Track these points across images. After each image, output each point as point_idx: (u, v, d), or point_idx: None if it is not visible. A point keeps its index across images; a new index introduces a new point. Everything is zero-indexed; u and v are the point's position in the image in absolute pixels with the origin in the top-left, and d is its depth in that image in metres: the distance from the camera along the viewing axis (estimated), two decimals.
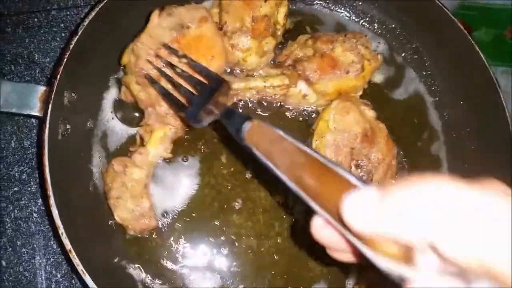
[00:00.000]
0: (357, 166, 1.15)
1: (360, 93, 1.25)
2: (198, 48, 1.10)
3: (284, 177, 0.57)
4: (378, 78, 1.33)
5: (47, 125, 0.99)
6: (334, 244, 0.52)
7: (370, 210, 0.42)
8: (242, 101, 1.25)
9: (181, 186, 1.18)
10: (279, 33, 1.27)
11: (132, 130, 1.20)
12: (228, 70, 1.25)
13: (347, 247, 0.52)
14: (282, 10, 1.23)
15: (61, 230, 0.94)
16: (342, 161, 1.14)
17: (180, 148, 1.19)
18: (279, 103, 1.26)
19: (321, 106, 1.24)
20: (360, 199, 0.44)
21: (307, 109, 1.26)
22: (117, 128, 1.21)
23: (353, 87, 1.20)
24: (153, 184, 1.16)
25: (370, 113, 1.20)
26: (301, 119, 1.27)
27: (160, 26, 1.09)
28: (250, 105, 1.25)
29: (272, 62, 1.27)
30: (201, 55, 1.10)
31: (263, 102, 1.25)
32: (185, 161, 1.19)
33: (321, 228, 0.52)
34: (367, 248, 0.44)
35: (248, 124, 0.69)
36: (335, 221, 0.48)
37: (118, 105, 1.22)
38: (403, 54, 1.37)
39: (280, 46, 1.29)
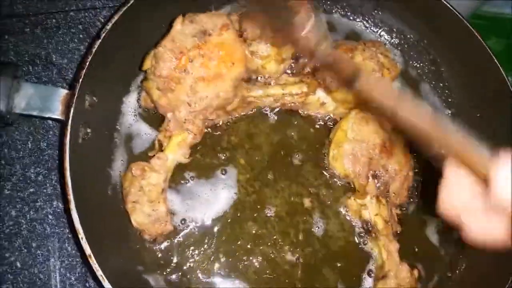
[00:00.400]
0: (374, 176, 1.15)
1: None
2: (219, 55, 1.10)
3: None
4: (395, 86, 1.33)
5: (69, 129, 0.99)
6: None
7: None
8: (261, 108, 1.25)
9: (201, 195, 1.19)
10: None
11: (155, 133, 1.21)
12: (247, 77, 1.25)
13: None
14: None
15: (81, 234, 0.94)
16: (359, 171, 1.14)
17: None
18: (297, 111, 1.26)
19: (340, 115, 1.24)
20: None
21: (324, 117, 1.26)
22: (141, 132, 1.21)
23: None
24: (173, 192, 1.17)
25: (389, 124, 1.20)
26: (317, 126, 1.26)
27: (182, 32, 1.09)
28: (268, 112, 1.25)
29: (290, 70, 1.27)
30: (222, 62, 1.11)
31: (281, 109, 1.26)
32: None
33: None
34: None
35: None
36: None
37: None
38: (420, 65, 1.37)
39: (297, 53, 1.29)
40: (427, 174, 1.27)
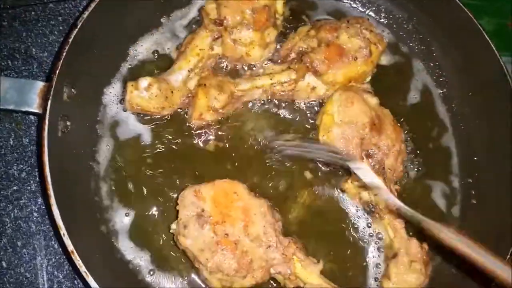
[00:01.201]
0: (368, 156, 1.12)
1: (369, 78, 1.22)
2: None
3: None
4: (386, 60, 1.31)
5: (46, 122, 0.96)
6: None
7: None
8: (251, 102, 1.22)
9: None
10: (279, 22, 1.24)
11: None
12: (232, 67, 1.23)
13: None
14: None
15: (63, 230, 0.91)
16: (353, 152, 1.11)
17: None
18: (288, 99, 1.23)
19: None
20: None
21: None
22: (126, 121, 1.18)
23: (362, 73, 1.17)
24: None
25: (374, 100, 1.17)
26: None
27: None
28: (258, 104, 1.22)
29: (276, 58, 1.24)
30: None
31: (272, 100, 1.22)
32: None
33: None
34: None
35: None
36: None
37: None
38: (410, 44, 1.34)
39: (281, 36, 1.26)
40: (420, 140, 1.26)
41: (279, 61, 1.23)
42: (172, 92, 1.15)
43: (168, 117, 1.19)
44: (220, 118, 1.19)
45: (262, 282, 1.02)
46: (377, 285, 1.11)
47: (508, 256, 1.03)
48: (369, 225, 1.16)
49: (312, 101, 1.23)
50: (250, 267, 0.98)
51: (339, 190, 1.18)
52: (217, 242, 0.98)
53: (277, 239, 1.01)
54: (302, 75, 1.17)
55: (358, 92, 1.15)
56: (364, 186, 1.13)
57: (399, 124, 1.19)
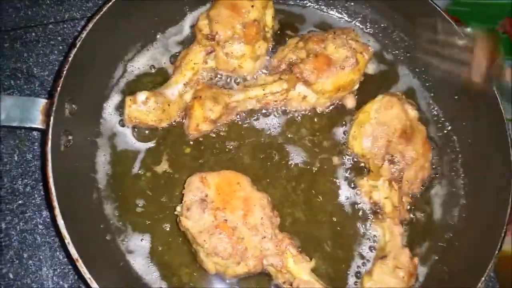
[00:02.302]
0: (391, 161, 1.17)
1: (357, 86, 1.27)
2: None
3: None
4: (371, 69, 1.35)
5: (49, 137, 1.01)
6: None
7: None
8: (244, 113, 1.27)
9: None
10: (268, 35, 1.29)
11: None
12: (226, 80, 1.28)
13: None
14: (269, 13, 1.26)
15: (68, 239, 0.95)
16: (377, 151, 1.18)
17: None
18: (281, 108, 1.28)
19: (323, 104, 1.27)
20: None
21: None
22: (123, 134, 1.23)
23: (350, 81, 1.22)
24: None
25: (413, 113, 1.22)
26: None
27: None
28: (254, 116, 1.28)
29: (266, 70, 1.29)
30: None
31: (264, 110, 1.27)
32: None
33: None
34: None
35: None
36: None
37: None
38: (395, 52, 1.39)
39: (272, 48, 1.32)
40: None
41: (271, 72, 1.28)
42: (169, 105, 1.20)
43: (165, 129, 1.23)
44: (215, 128, 1.23)
45: (255, 271, 1.06)
46: (355, 282, 1.15)
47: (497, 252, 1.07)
48: (370, 224, 1.20)
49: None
50: (244, 255, 1.03)
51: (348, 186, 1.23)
52: (215, 226, 1.04)
53: (273, 231, 1.07)
54: (293, 85, 1.22)
55: (401, 100, 1.22)
56: (377, 187, 1.18)
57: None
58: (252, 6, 1.20)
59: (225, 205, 1.06)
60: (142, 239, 1.14)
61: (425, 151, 1.20)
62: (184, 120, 1.23)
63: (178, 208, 1.09)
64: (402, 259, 1.11)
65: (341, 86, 1.22)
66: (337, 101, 1.29)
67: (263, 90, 1.22)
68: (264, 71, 1.29)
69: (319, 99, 1.25)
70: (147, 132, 1.23)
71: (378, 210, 1.19)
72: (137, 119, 1.19)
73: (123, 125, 1.23)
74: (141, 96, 1.17)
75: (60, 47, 1.39)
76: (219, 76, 1.29)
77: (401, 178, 1.18)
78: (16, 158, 1.27)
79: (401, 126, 1.18)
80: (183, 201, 1.08)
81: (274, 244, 1.06)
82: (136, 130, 1.23)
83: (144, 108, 1.17)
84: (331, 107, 1.30)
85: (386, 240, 1.15)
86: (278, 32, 1.36)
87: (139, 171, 1.20)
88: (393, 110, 1.19)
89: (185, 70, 1.23)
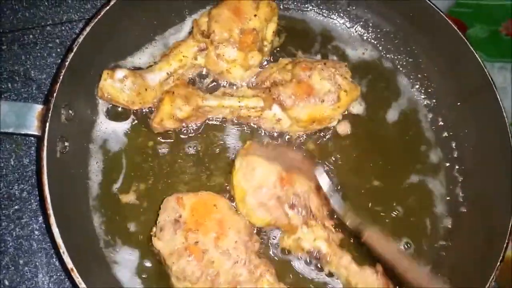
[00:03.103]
0: (292, 206, 1.10)
1: (335, 123, 1.24)
2: None
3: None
4: (358, 109, 1.30)
5: (45, 144, 0.99)
6: None
7: None
8: (216, 119, 1.24)
9: None
10: (266, 49, 1.26)
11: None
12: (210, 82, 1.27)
13: None
14: (271, 27, 1.23)
15: (63, 249, 0.94)
16: (278, 216, 1.09)
17: None
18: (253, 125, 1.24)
19: (296, 132, 1.23)
20: None
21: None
22: (114, 132, 1.21)
23: (327, 117, 1.18)
24: None
25: (273, 153, 1.15)
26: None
27: None
28: (226, 124, 1.25)
29: (251, 83, 1.26)
30: None
31: (237, 121, 1.24)
32: None
33: None
34: None
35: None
36: None
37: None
38: (397, 57, 1.37)
39: (266, 63, 1.30)
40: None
41: (254, 86, 1.25)
42: (146, 89, 1.18)
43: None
44: (180, 128, 1.21)
45: None
46: None
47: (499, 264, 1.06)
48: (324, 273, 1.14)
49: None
50: (216, 280, 0.99)
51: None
52: (185, 248, 1.00)
53: (247, 257, 1.02)
54: (269, 105, 1.18)
55: (257, 151, 1.14)
56: (300, 237, 1.11)
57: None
58: (255, 15, 1.18)
59: (197, 226, 1.02)
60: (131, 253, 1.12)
61: (307, 176, 1.13)
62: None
63: (154, 229, 1.06)
64: (369, 279, 1.07)
65: (316, 119, 1.18)
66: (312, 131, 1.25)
67: (239, 102, 1.18)
68: (245, 84, 1.26)
69: (292, 125, 1.21)
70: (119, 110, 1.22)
71: (318, 256, 1.11)
72: (109, 95, 1.16)
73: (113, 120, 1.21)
74: (120, 73, 1.15)
75: (58, 50, 1.38)
76: (203, 77, 1.27)
77: (311, 211, 1.11)
78: (12, 163, 1.26)
79: (275, 177, 1.09)
80: (157, 222, 1.05)
81: (247, 270, 1.01)
82: (109, 108, 1.22)
83: (119, 85, 1.15)
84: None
85: (345, 276, 1.10)
86: (278, 49, 1.34)
87: (130, 173, 1.19)
88: (259, 170, 1.10)
89: (173, 60, 1.21)
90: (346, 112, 1.26)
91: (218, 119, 1.24)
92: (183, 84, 1.20)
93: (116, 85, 1.15)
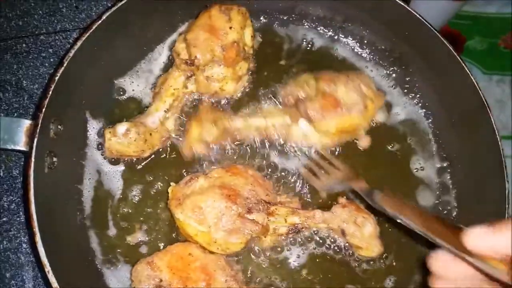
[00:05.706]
0: (249, 211, 1.06)
1: (363, 132, 1.24)
2: None
3: (414, 225, 0.83)
4: (381, 117, 1.31)
5: (33, 160, 0.98)
6: (444, 272, 0.73)
7: (486, 238, 0.65)
8: (245, 143, 1.23)
9: None
10: (249, 54, 1.25)
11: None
12: (212, 101, 1.25)
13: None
14: (248, 31, 1.22)
15: (47, 268, 0.93)
16: (249, 228, 1.04)
17: None
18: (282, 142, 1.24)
19: (325, 146, 1.23)
20: (479, 232, 0.66)
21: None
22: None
23: (356, 126, 1.20)
24: None
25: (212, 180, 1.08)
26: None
27: None
28: (255, 145, 1.24)
29: (276, 101, 1.27)
30: None
31: (266, 141, 1.24)
32: None
33: (440, 260, 0.72)
34: (482, 262, 0.66)
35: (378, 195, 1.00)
36: (455, 249, 0.69)
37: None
38: (393, 75, 1.36)
39: (251, 71, 1.29)
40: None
41: (279, 103, 1.26)
42: (150, 134, 1.16)
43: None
44: (210, 152, 1.20)
45: None
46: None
47: None
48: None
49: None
50: None
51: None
52: None
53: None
54: (295, 120, 1.20)
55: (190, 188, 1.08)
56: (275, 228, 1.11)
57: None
58: (230, 27, 1.16)
59: (185, 282, 0.98)
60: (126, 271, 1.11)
61: (247, 177, 1.10)
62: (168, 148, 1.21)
63: None
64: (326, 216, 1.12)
65: (345, 129, 1.19)
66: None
67: (265, 120, 1.19)
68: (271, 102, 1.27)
69: (321, 138, 1.22)
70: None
71: (297, 230, 1.11)
72: (118, 152, 1.15)
73: (104, 158, 1.20)
74: (121, 128, 1.12)
75: (51, 60, 1.37)
76: (203, 98, 1.25)
77: (266, 202, 1.09)
78: (1, 174, 1.25)
79: (224, 199, 1.03)
80: None
81: None
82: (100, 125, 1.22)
83: (125, 140, 1.12)
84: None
85: (326, 227, 1.13)
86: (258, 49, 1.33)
87: (124, 197, 1.18)
88: (203, 206, 1.03)
89: (165, 96, 1.19)
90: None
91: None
92: (208, 107, 1.21)
93: (121, 140, 1.12)
